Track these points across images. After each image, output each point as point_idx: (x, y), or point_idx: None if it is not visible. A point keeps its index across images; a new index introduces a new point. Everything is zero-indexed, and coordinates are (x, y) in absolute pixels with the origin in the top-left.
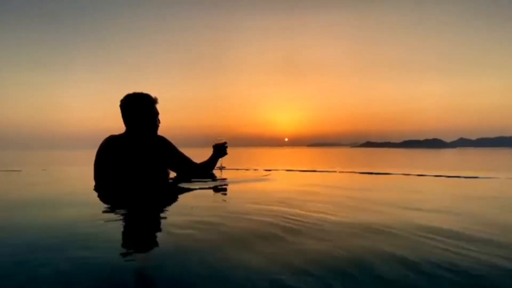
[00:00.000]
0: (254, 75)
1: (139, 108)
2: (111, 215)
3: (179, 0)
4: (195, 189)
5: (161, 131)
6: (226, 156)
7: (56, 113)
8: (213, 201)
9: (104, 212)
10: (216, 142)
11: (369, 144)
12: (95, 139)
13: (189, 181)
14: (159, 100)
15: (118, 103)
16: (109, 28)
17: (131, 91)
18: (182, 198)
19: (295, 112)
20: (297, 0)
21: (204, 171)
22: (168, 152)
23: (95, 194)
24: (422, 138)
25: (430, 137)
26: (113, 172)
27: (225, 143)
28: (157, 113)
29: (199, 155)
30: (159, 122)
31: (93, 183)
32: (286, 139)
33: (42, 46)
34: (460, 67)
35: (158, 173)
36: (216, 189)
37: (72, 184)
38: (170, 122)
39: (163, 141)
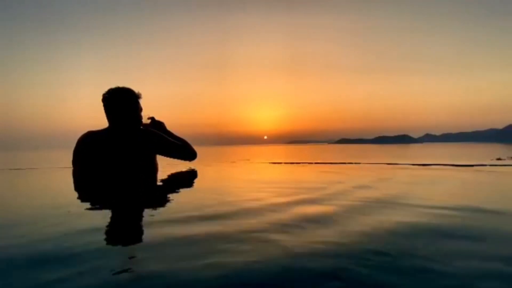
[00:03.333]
0: (233, 75)
1: (123, 103)
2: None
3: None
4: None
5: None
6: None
7: (53, 112)
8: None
9: (86, 210)
10: (146, 123)
11: (344, 141)
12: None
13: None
14: (143, 96)
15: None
16: (105, 26)
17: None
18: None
19: (272, 111)
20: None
21: (182, 147)
22: (156, 142)
23: (76, 192)
24: (392, 134)
25: (400, 133)
26: (96, 169)
27: (152, 118)
28: (140, 109)
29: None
30: (142, 118)
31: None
32: (265, 137)
33: (43, 44)
34: (425, 68)
35: (143, 167)
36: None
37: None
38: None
39: (149, 132)
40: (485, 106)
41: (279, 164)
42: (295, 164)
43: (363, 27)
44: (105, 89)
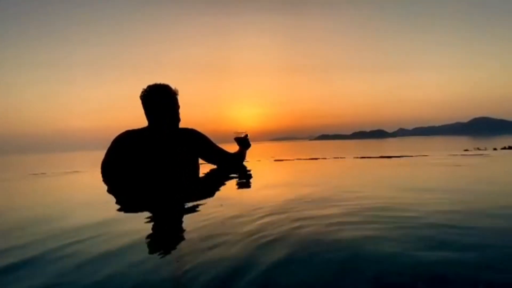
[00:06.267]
0: (214, 74)
1: (164, 100)
2: (136, 217)
3: None
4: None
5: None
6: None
7: (50, 115)
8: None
9: (126, 212)
10: (237, 135)
11: (324, 137)
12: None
13: (223, 174)
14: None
15: (103, 104)
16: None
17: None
18: (213, 194)
19: (253, 108)
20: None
21: (236, 162)
22: (199, 143)
23: (113, 194)
24: (368, 129)
25: (375, 128)
26: (136, 169)
27: (246, 135)
28: (178, 106)
29: None
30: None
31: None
32: (248, 135)
33: (39, 44)
34: (397, 65)
35: (188, 167)
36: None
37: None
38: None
39: (193, 132)
40: (452, 101)
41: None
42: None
43: (343, 26)
44: (87, 88)
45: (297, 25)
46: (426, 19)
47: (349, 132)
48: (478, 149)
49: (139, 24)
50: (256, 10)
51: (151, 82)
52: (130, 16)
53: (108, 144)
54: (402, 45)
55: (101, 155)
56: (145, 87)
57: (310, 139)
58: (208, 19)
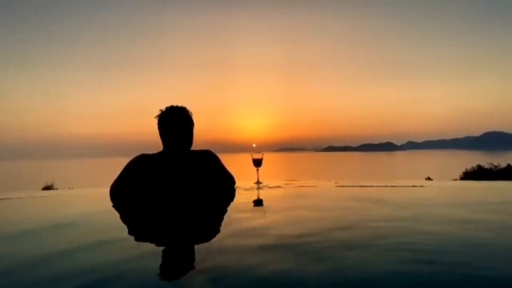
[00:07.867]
0: (220, 81)
1: (183, 121)
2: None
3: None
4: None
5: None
6: (261, 168)
7: (51, 118)
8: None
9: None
10: (255, 157)
11: (331, 149)
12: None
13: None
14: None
15: (103, 108)
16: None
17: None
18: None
19: (261, 118)
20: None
21: (232, 181)
22: (212, 165)
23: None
24: (376, 142)
25: (384, 140)
26: (151, 193)
27: (262, 158)
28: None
29: None
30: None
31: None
32: (254, 145)
33: (36, 44)
34: (409, 75)
35: (205, 186)
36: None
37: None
38: (135, 128)
39: (208, 153)
40: (463, 114)
41: None
42: None
43: (352, 34)
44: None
45: (304, 30)
46: (438, 29)
47: (357, 144)
48: (492, 164)
49: (146, 28)
50: (257, 15)
51: (152, 85)
52: (132, 21)
53: (108, 149)
54: (413, 55)
55: (101, 161)
56: (163, 108)
57: (316, 151)
58: (211, 20)
